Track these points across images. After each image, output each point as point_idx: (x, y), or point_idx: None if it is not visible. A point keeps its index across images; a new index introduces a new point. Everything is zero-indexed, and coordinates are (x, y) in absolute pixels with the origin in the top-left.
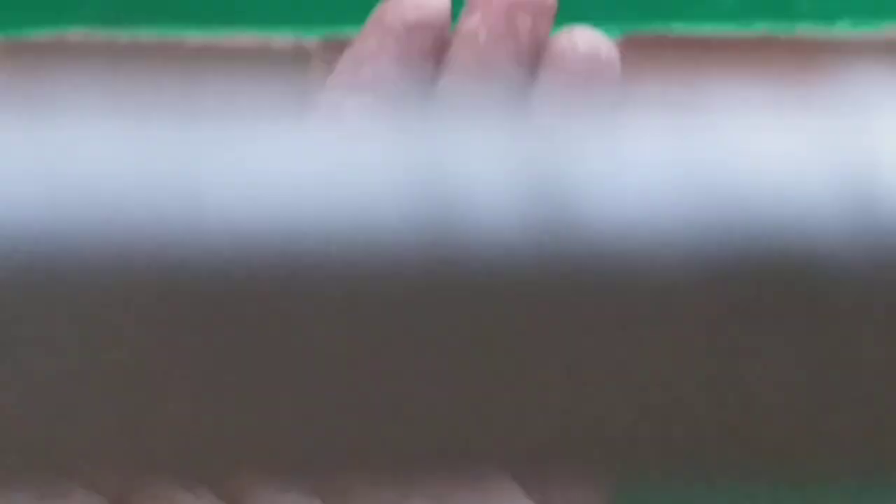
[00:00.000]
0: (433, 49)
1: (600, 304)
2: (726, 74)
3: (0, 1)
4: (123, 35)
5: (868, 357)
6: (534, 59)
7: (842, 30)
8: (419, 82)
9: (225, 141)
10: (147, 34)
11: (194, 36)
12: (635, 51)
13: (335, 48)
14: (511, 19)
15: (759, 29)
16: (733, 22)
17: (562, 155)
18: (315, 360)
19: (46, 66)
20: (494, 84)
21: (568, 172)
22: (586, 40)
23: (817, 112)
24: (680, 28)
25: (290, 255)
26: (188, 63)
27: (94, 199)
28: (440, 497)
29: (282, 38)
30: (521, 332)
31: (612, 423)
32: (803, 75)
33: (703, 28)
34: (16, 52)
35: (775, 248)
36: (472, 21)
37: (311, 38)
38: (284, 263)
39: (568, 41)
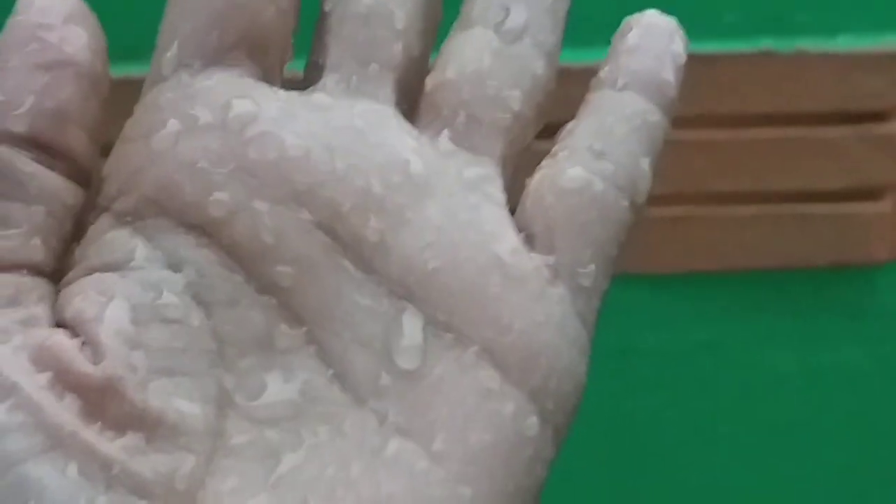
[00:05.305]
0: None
1: None
2: (729, 90)
3: None
4: (116, 72)
5: None
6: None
7: (842, 44)
8: None
9: None
10: (139, 71)
11: None
12: None
13: None
14: None
15: (761, 45)
16: (734, 38)
17: None
18: None
19: None
20: None
21: None
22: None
23: None
24: None
25: None
26: None
27: None
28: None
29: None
30: None
31: None
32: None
33: (704, 45)
34: None
35: None
36: None
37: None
38: None
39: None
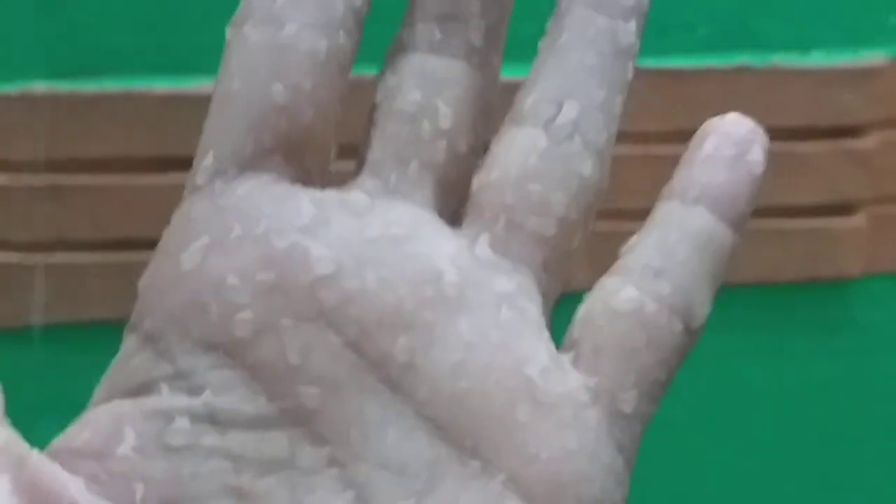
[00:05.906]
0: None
1: None
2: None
3: None
4: (89, 87)
5: None
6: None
7: (817, 59)
8: None
9: None
10: (113, 85)
11: (160, 85)
12: None
13: None
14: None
15: (735, 60)
16: (709, 53)
17: None
18: None
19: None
20: None
21: None
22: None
23: None
24: (654, 61)
25: None
26: (155, 112)
27: None
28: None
29: None
30: None
31: None
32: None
33: (678, 61)
34: None
35: None
36: None
37: None
38: None
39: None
